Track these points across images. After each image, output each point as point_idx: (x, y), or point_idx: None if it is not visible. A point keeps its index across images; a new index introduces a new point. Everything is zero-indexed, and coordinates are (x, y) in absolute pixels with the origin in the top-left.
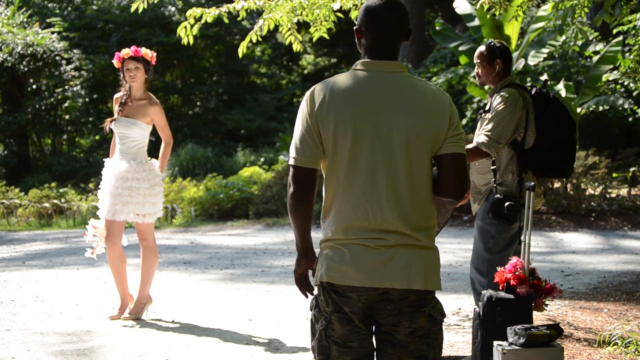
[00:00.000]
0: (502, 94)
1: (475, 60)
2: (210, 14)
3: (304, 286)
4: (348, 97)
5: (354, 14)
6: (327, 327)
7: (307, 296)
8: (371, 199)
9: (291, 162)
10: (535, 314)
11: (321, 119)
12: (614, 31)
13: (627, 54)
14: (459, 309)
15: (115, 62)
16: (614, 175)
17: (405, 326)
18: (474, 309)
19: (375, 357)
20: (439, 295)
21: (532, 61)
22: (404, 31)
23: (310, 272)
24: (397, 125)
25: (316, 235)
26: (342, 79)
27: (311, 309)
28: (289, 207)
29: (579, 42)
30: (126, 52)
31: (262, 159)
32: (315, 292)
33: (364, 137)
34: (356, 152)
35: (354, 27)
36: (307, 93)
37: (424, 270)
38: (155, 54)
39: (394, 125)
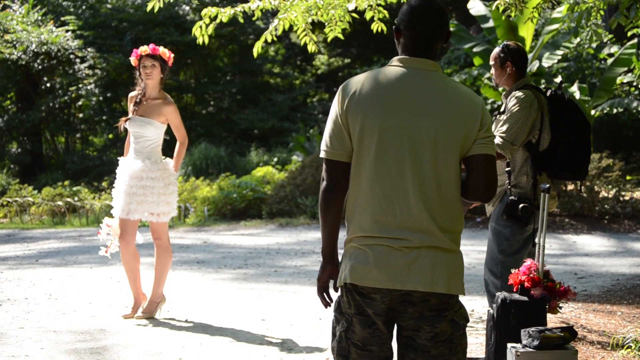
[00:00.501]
0: (517, 95)
1: (490, 62)
2: (225, 13)
3: (326, 295)
4: (379, 92)
5: (368, 15)
6: (347, 329)
7: (326, 307)
8: (398, 195)
9: (322, 155)
10: (548, 316)
11: (350, 113)
12: (629, 34)
13: None
14: (472, 311)
15: (133, 60)
16: (628, 177)
17: (426, 330)
18: (488, 310)
19: None
20: None
21: (546, 63)
22: (443, 33)
23: (331, 282)
24: (427, 123)
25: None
26: (374, 73)
27: (334, 311)
28: (319, 203)
29: (594, 45)
30: (144, 49)
31: (275, 159)
32: (338, 293)
33: (393, 133)
34: (384, 148)
35: (393, 27)
36: (340, 87)
37: (447, 273)
38: (172, 55)
39: (424, 123)
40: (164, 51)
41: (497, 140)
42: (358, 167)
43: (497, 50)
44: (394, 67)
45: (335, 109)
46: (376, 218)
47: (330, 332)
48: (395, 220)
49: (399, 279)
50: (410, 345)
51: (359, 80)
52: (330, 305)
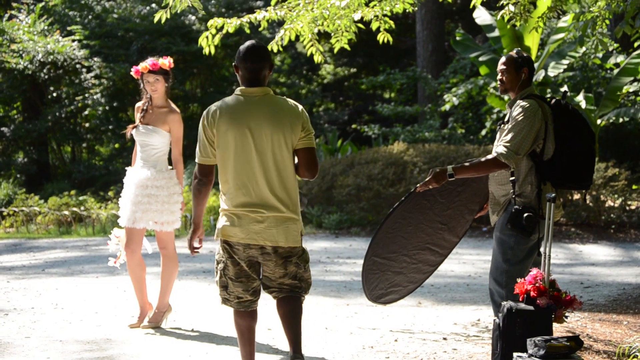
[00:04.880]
0: (521, 104)
1: (501, 67)
2: (231, 24)
3: (194, 247)
4: (231, 113)
5: (374, 25)
6: (224, 268)
7: (193, 254)
8: (251, 181)
9: (196, 160)
10: (554, 325)
11: (214, 129)
12: (635, 43)
13: None
14: (478, 320)
15: (133, 74)
16: (634, 187)
17: (280, 271)
18: (494, 320)
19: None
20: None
21: (552, 72)
22: (267, 65)
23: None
24: (265, 130)
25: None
26: (227, 101)
27: (215, 256)
28: (194, 191)
29: (600, 54)
30: (144, 66)
31: None
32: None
33: (243, 139)
34: (239, 150)
35: (233, 64)
36: (204, 113)
37: (286, 232)
38: (172, 59)
39: (263, 130)
40: (163, 62)
41: (501, 149)
42: (224, 164)
43: (512, 54)
44: (239, 96)
45: (203, 127)
46: (239, 199)
47: (214, 271)
48: (251, 198)
49: (254, 237)
50: (269, 279)
51: (217, 106)
52: (196, 252)
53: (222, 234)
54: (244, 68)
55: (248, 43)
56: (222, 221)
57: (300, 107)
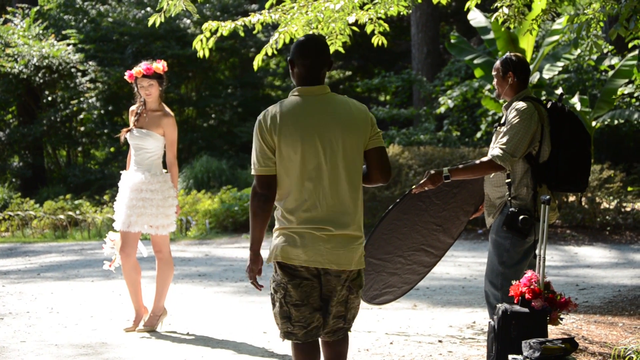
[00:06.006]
0: (517, 107)
1: (492, 72)
2: (226, 27)
3: (256, 281)
4: (292, 116)
5: (369, 28)
6: (285, 295)
7: (260, 289)
8: (318, 193)
9: (253, 172)
10: (550, 327)
11: (274, 135)
12: (630, 45)
13: None
14: (473, 323)
15: (127, 78)
16: (629, 189)
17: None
18: (489, 322)
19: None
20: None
21: (547, 75)
22: (326, 61)
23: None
24: (334, 132)
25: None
26: (285, 103)
27: (271, 285)
28: (254, 209)
29: (594, 56)
30: (138, 70)
31: None
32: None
33: (310, 145)
34: (305, 158)
35: (287, 59)
36: (259, 118)
37: (352, 255)
38: (165, 63)
39: (332, 133)
40: (157, 66)
41: (497, 152)
42: (285, 175)
43: (499, 60)
44: (298, 96)
45: (260, 134)
46: (303, 215)
47: (271, 304)
48: (317, 214)
49: (319, 260)
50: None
51: (276, 110)
52: (262, 288)
53: (281, 256)
54: (302, 65)
55: (306, 36)
56: (279, 241)
57: (363, 105)
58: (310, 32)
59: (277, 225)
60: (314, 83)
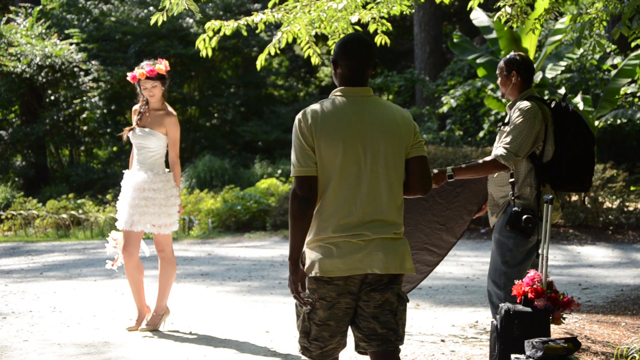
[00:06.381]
0: (521, 107)
1: (497, 72)
2: (229, 26)
3: (301, 295)
4: (334, 117)
5: (372, 27)
6: (311, 311)
7: (306, 306)
8: (356, 199)
9: (293, 173)
10: (552, 327)
11: (314, 136)
12: (632, 44)
13: None
14: (476, 322)
15: (130, 79)
16: (632, 188)
17: (376, 299)
18: (492, 322)
19: None
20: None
21: (549, 74)
22: (371, 62)
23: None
24: (376, 138)
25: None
26: (326, 103)
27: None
28: (294, 213)
29: (597, 55)
30: (141, 72)
31: (279, 171)
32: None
33: (351, 149)
34: (345, 162)
35: (331, 59)
36: (299, 116)
37: (393, 255)
38: (167, 62)
39: (374, 138)
40: (160, 67)
41: (501, 151)
42: (322, 179)
43: (503, 60)
44: (340, 97)
45: (300, 133)
46: (338, 221)
47: (295, 314)
48: (353, 219)
49: (357, 265)
50: (360, 315)
51: (317, 109)
52: (309, 304)
53: (319, 269)
54: (346, 66)
55: (351, 36)
56: (314, 254)
57: (407, 111)
58: (354, 32)
59: (310, 237)
60: (358, 84)
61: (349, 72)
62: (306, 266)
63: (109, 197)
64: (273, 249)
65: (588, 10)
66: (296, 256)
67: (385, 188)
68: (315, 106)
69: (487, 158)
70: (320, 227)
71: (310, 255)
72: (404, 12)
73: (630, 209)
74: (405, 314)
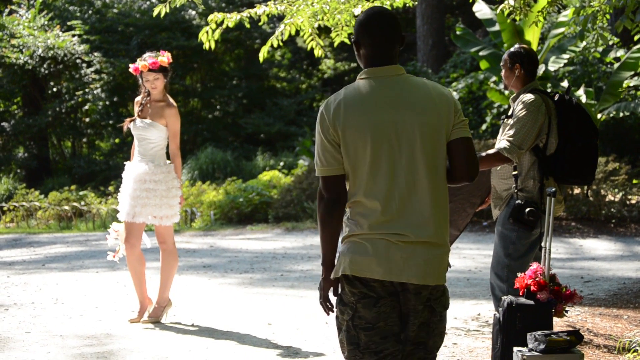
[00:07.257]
0: (524, 99)
1: (500, 64)
2: (231, 18)
3: (328, 303)
4: (361, 105)
5: None
6: (353, 316)
7: (329, 314)
8: (393, 193)
9: (318, 173)
10: (555, 320)
11: (340, 129)
12: (635, 37)
13: None
14: (478, 315)
15: (132, 71)
16: (634, 181)
17: (412, 320)
18: (494, 314)
19: None
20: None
21: (552, 67)
22: (397, 36)
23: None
24: (411, 120)
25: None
26: (350, 89)
27: (336, 306)
28: (322, 216)
29: (600, 48)
30: (144, 64)
31: (281, 163)
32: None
33: (383, 137)
34: (377, 153)
35: (352, 41)
36: (321, 108)
37: (438, 267)
38: (169, 54)
39: (409, 121)
40: (162, 60)
41: (505, 144)
42: (353, 173)
43: (507, 52)
44: (366, 80)
45: (321, 128)
46: (374, 218)
47: (336, 328)
48: (391, 216)
49: (395, 272)
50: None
51: (339, 98)
52: (332, 312)
53: (350, 269)
54: (369, 44)
55: (370, 10)
56: (347, 251)
57: (446, 88)
58: (374, 5)
59: (344, 232)
60: (385, 63)
61: (373, 50)
62: (337, 265)
63: (111, 188)
64: (275, 241)
65: (591, 3)
66: (328, 262)
67: (426, 178)
68: (338, 93)
69: (491, 151)
70: (355, 222)
71: (341, 253)
72: (407, 5)
73: (633, 202)
74: (445, 316)
